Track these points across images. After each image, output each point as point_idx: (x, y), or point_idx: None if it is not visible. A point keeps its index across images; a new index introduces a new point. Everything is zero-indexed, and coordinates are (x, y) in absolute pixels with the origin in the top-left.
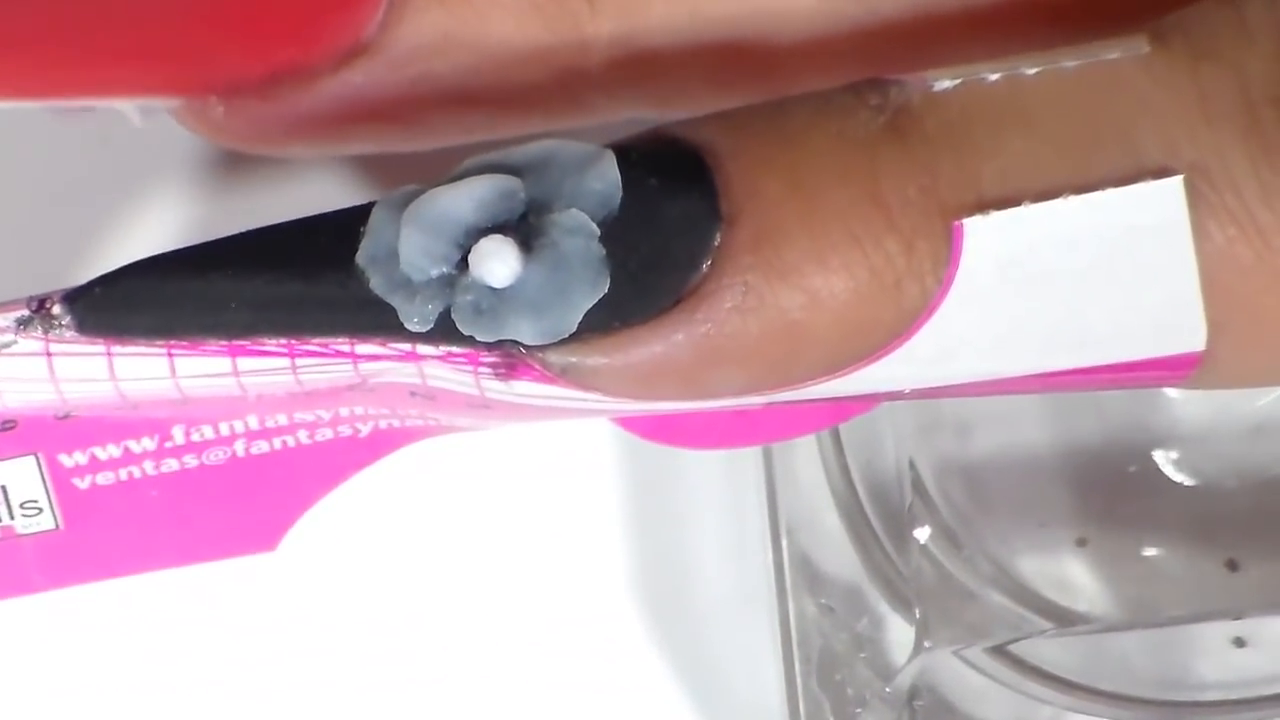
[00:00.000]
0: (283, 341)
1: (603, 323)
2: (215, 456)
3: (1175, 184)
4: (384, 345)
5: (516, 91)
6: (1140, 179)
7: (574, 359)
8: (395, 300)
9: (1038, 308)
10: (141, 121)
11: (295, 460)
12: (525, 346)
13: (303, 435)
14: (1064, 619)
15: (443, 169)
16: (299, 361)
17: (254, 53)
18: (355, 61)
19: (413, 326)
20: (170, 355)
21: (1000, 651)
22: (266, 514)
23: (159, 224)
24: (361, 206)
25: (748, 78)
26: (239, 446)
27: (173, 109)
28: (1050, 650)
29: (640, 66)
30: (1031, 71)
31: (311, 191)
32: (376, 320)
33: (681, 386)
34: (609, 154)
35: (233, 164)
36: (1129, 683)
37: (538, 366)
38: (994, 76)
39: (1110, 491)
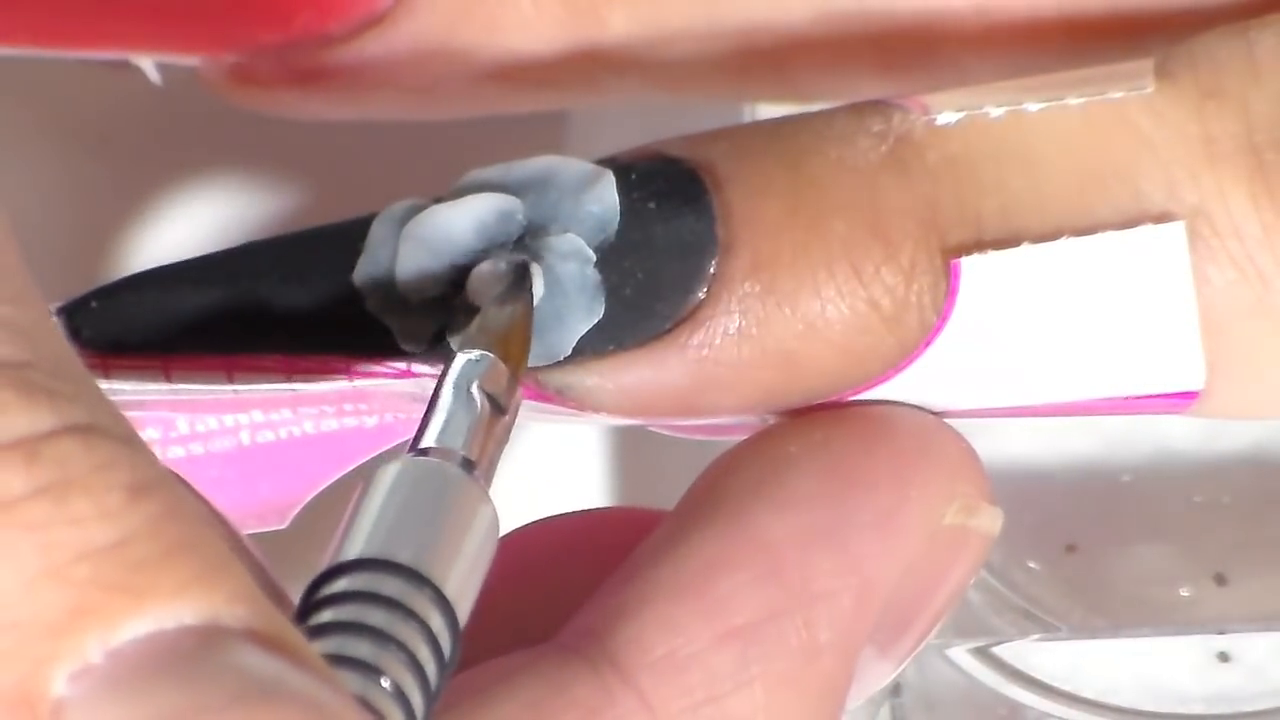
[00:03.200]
0: (278, 357)
1: (598, 346)
2: (221, 445)
3: (1176, 229)
4: (379, 363)
5: (530, 67)
6: (1141, 222)
7: (569, 380)
8: (391, 321)
9: (1035, 345)
10: (159, 79)
11: (302, 448)
12: None
13: (308, 425)
14: (1049, 624)
15: (445, 174)
16: (295, 376)
17: (273, 17)
18: (372, 31)
19: (408, 347)
20: (166, 369)
21: (984, 653)
22: (275, 495)
23: (158, 234)
24: (360, 220)
25: (760, 66)
26: (244, 436)
27: (192, 67)
28: (1034, 654)
29: (654, 49)
30: (1035, 108)
31: (313, 197)
32: (372, 339)
33: (676, 409)
34: (608, 175)
35: (233, 171)
36: (1111, 691)
37: (533, 385)
38: (998, 112)
39: (1102, 499)
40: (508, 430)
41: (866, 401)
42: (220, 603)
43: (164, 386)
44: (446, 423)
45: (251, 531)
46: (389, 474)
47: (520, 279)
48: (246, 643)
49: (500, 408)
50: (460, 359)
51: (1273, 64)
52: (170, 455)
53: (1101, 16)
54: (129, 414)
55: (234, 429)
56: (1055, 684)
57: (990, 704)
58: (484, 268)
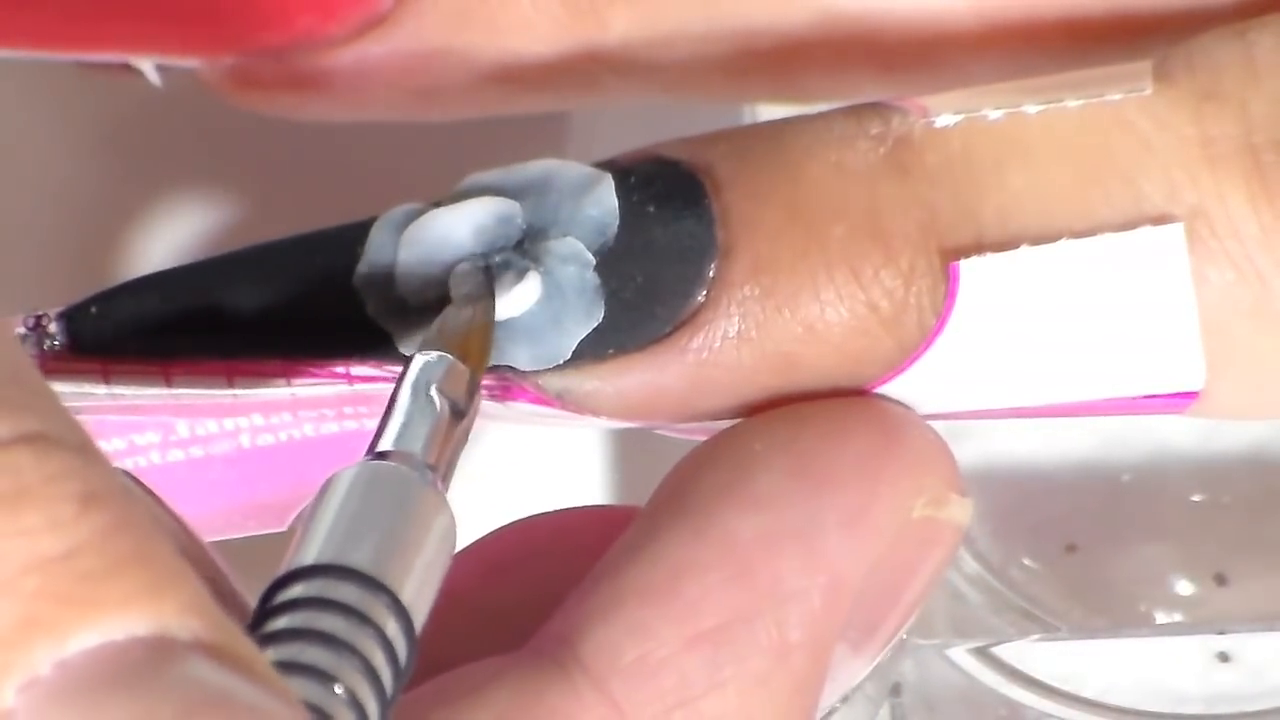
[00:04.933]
0: (278, 361)
1: (597, 349)
2: (221, 448)
3: (1175, 230)
4: (379, 367)
5: (531, 69)
6: (1140, 223)
7: (568, 384)
8: (390, 325)
9: (1034, 346)
10: (159, 81)
11: (302, 451)
12: (520, 370)
13: (308, 429)
14: (1049, 624)
15: (445, 177)
16: (295, 380)
17: (273, 19)
18: (373, 32)
19: (408, 350)
20: (166, 373)
21: (984, 653)
22: (274, 498)
23: (158, 236)
24: (359, 224)
25: (760, 68)
26: (244, 439)
27: (192, 69)
28: (1034, 654)
29: (655, 51)
30: (1034, 110)
31: (313, 200)
32: (371, 343)
33: (675, 412)
34: (607, 179)
35: (234, 174)
36: (1111, 691)
37: (532, 390)
38: (996, 114)
39: (1102, 500)
40: (466, 433)
41: (834, 396)
42: (170, 614)
43: (164, 391)
44: (405, 426)
45: (250, 534)
46: (346, 478)
47: (485, 281)
48: (196, 654)
49: (459, 410)
50: (419, 361)
51: (1271, 65)
52: (170, 458)
53: (1100, 18)
54: (128, 418)
55: (234, 432)
56: (1055, 684)
57: (990, 704)
58: (462, 268)
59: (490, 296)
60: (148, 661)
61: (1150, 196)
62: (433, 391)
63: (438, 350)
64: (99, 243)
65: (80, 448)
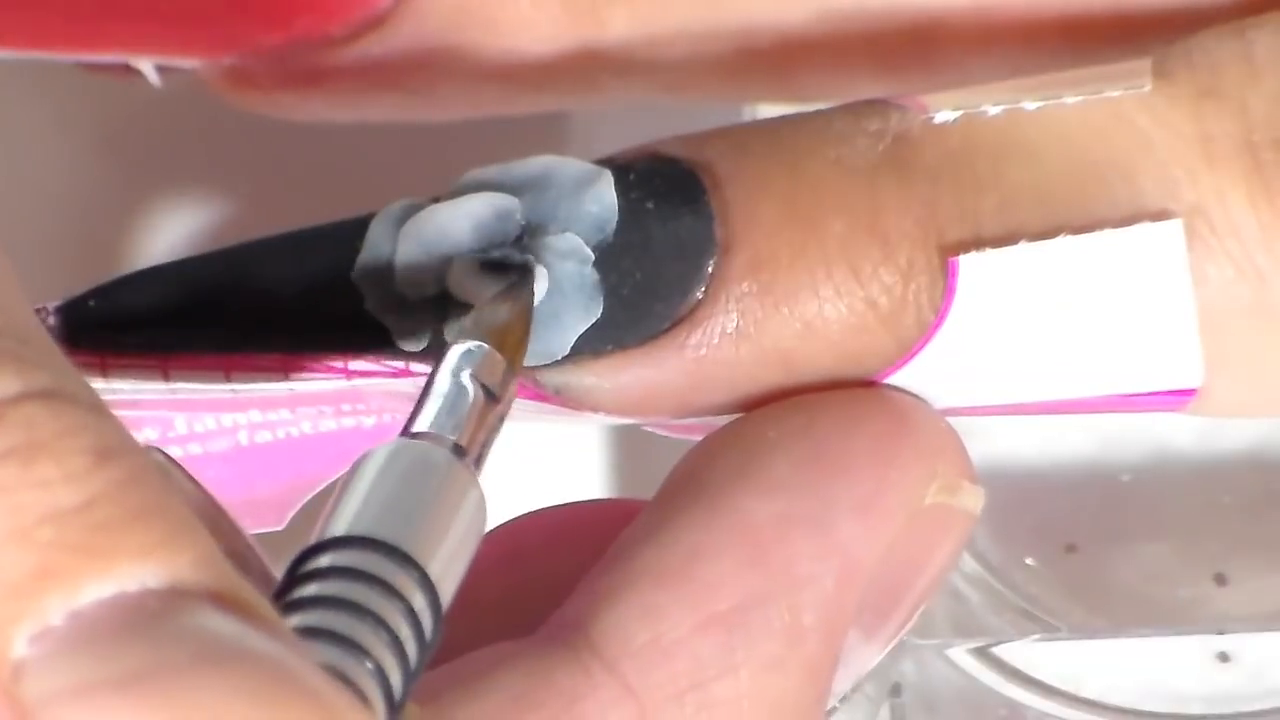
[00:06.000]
0: (276, 356)
1: (596, 345)
2: (219, 445)
3: (1174, 227)
4: (377, 362)
5: (530, 69)
6: (1139, 220)
7: (567, 380)
8: (389, 320)
9: (1033, 343)
10: (159, 81)
11: (300, 448)
12: None
13: (306, 426)
14: (1049, 624)
15: (444, 174)
16: (293, 375)
17: (273, 20)
18: (372, 32)
19: (406, 346)
20: (164, 368)
21: (984, 653)
22: (272, 496)
23: (158, 235)
24: (358, 219)
25: (759, 67)
26: (242, 436)
27: (192, 69)
28: (1034, 654)
29: (654, 50)
30: (1032, 106)
31: (313, 197)
32: (370, 338)
33: (673, 408)
34: (606, 175)
35: (233, 173)
36: (1111, 691)
37: (531, 385)
38: (995, 110)
39: (1102, 499)
40: (500, 419)
41: (845, 384)
42: (183, 565)
43: (162, 386)
44: (439, 409)
45: (248, 531)
46: (379, 455)
47: (523, 275)
48: (209, 605)
49: (494, 397)
50: (456, 348)
51: (1270, 63)
52: None
53: (1099, 17)
54: (127, 413)
55: (232, 429)
56: (1055, 684)
57: (990, 704)
58: (462, 262)
59: (530, 289)
60: (160, 611)
61: (1149, 193)
62: (468, 378)
63: (475, 339)
64: (99, 242)
65: (93, 405)
